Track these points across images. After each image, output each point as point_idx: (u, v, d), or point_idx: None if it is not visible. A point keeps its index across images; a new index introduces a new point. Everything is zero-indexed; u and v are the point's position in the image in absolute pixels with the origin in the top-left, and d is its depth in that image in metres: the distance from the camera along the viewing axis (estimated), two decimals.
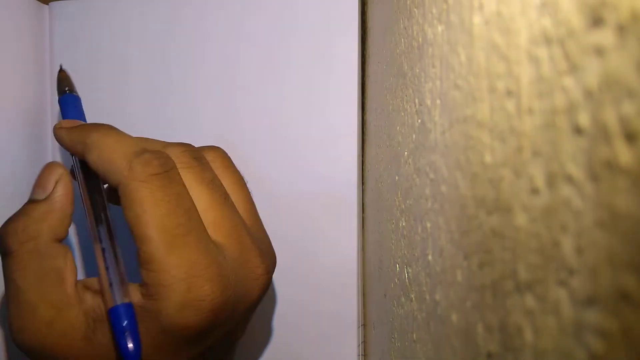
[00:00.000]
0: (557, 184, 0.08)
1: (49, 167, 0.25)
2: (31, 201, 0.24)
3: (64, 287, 0.23)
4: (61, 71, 0.31)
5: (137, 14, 0.34)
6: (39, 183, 0.24)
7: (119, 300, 0.22)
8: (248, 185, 0.28)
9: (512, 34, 0.10)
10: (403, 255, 0.20)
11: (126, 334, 0.21)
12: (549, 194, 0.09)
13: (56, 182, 0.24)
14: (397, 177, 0.21)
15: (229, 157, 0.28)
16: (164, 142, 0.26)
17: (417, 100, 0.18)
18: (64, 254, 0.24)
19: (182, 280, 0.21)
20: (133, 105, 0.35)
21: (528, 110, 0.09)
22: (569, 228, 0.08)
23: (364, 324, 0.32)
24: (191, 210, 0.23)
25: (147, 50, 0.34)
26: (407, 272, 0.19)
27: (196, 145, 0.27)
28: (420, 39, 0.17)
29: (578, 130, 0.08)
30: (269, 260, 0.26)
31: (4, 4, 0.32)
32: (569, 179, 0.08)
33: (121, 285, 0.22)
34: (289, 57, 0.32)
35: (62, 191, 0.24)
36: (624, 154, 0.07)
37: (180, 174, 0.23)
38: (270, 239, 0.29)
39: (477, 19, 0.12)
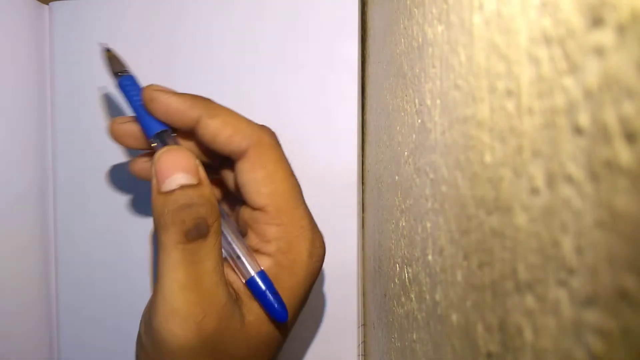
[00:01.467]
0: (557, 184, 0.08)
1: (183, 152, 0.23)
2: (187, 186, 0.22)
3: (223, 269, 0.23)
4: (108, 51, 0.28)
5: (137, 14, 0.34)
6: (185, 167, 0.23)
7: (253, 270, 0.23)
8: None
9: (512, 34, 0.10)
10: (403, 255, 0.20)
11: (270, 296, 0.23)
12: (549, 194, 0.09)
13: (199, 166, 0.23)
14: (397, 177, 0.21)
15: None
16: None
17: (417, 100, 0.18)
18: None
19: (309, 229, 0.24)
20: None
21: (528, 110, 0.09)
22: (569, 228, 0.08)
23: (364, 324, 0.32)
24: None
25: (147, 50, 0.34)
26: (407, 272, 0.19)
27: None
28: (420, 39, 0.17)
29: (578, 130, 0.08)
30: None
31: (4, 4, 0.32)
32: (569, 179, 0.08)
33: (250, 256, 0.24)
34: (289, 57, 0.32)
35: (205, 174, 0.23)
36: (624, 154, 0.07)
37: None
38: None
39: (477, 19, 0.12)
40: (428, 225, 0.16)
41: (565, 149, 0.08)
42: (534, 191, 0.09)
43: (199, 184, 0.22)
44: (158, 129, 0.25)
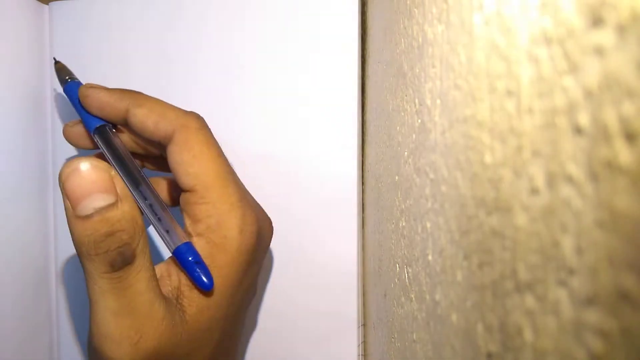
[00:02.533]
0: (557, 184, 0.08)
1: (95, 168, 0.22)
2: (106, 208, 0.21)
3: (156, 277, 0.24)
4: (57, 62, 0.31)
5: (137, 13, 0.34)
6: (99, 185, 0.21)
7: (179, 240, 0.24)
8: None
9: (512, 34, 0.10)
10: (403, 255, 0.20)
11: (197, 264, 0.23)
12: (549, 194, 0.09)
13: (114, 179, 0.22)
14: (397, 177, 0.21)
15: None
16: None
17: (417, 100, 0.18)
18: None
19: (237, 206, 0.24)
20: None
21: (528, 110, 0.09)
22: (569, 228, 0.08)
23: (364, 324, 0.32)
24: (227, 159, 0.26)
25: (147, 50, 0.34)
26: (407, 272, 0.19)
27: None
28: (420, 39, 0.17)
29: (578, 130, 0.08)
30: None
31: (4, 4, 0.32)
32: (569, 179, 0.08)
33: (176, 229, 0.24)
34: (289, 56, 0.32)
35: (122, 185, 0.23)
36: (624, 154, 0.07)
37: None
38: (271, 238, 0.30)
39: (477, 19, 0.12)
40: (428, 225, 0.16)
41: (565, 149, 0.08)
42: (534, 191, 0.09)
43: (116, 201, 0.21)
44: (97, 123, 0.27)
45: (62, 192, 0.21)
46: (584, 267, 0.08)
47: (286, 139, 0.32)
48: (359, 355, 0.32)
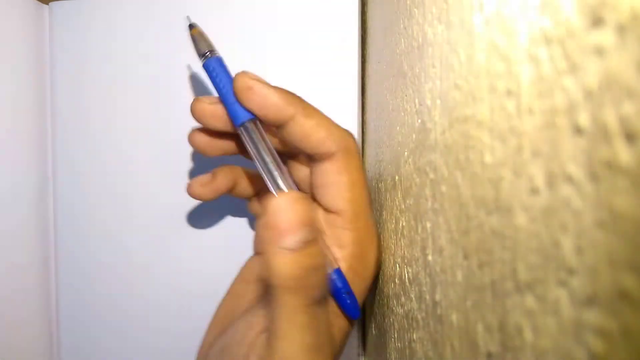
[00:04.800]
0: (557, 184, 0.08)
1: (300, 201, 0.20)
2: (310, 243, 0.20)
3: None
4: (193, 28, 0.26)
5: (137, 13, 0.34)
6: (307, 220, 0.20)
7: (330, 267, 0.23)
8: None
9: (512, 34, 0.10)
10: (403, 255, 0.20)
11: (346, 293, 0.23)
12: (549, 194, 0.09)
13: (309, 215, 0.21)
14: (397, 177, 0.21)
15: None
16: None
17: (417, 100, 0.18)
18: None
19: (377, 236, 0.25)
20: (133, 105, 0.35)
21: (528, 110, 0.09)
22: (569, 228, 0.08)
23: (364, 324, 0.32)
24: None
25: (147, 50, 0.34)
26: (407, 272, 0.19)
27: None
28: (420, 39, 0.17)
29: (578, 130, 0.08)
30: None
31: (4, 4, 0.32)
32: (569, 179, 0.08)
33: (328, 254, 0.24)
34: (289, 57, 0.32)
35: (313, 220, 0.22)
36: (624, 154, 0.07)
37: None
38: None
39: (477, 19, 0.12)
40: (428, 225, 0.16)
41: (565, 149, 0.08)
42: (534, 191, 0.09)
43: (317, 237, 0.21)
44: (246, 117, 0.24)
45: (265, 225, 0.20)
46: (584, 267, 0.08)
47: None
48: (359, 355, 0.32)
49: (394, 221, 0.22)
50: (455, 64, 0.13)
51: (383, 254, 0.25)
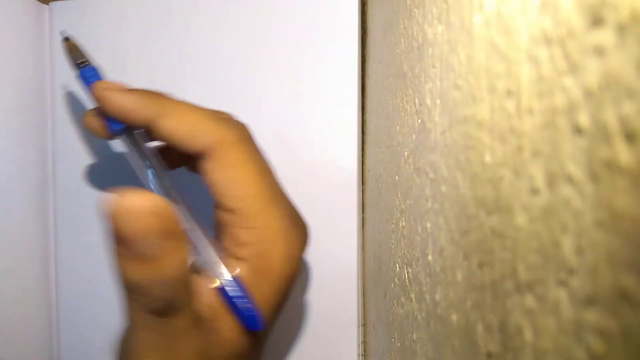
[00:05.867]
0: (557, 184, 0.08)
1: (138, 209, 0.18)
2: (163, 252, 0.19)
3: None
4: (67, 40, 0.26)
5: (137, 13, 0.34)
6: (162, 229, 0.19)
7: (226, 275, 0.22)
8: None
9: (512, 34, 0.10)
10: (403, 255, 0.20)
11: (245, 303, 0.21)
12: (549, 194, 0.09)
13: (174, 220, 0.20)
14: (397, 177, 0.21)
15: None
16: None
17: (417, 100, 0.18)
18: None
19: (286, 231, 0.22)
20: None
21: (528, 110, 0.09)
22: (569, 228, 0.08)
23: (364, 324, 0.32)
24: (272, 170, 0.23)
25: (147, 50, 0.34)
26: (407, 272, 0.19)
27: None
28: (420, 39, 0.17)
29: (578, 130, 0.08)
30: None
31: (4, 4, 0.32)
32: (569, 179, 0.08)
33: (221, 260, 0.22)
34: (289, 57, 0.32)
35: (180, 230, 0.20)
36: (624, 154, 0.07)
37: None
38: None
39: (477, 19, 0.12)
40: (428, 225, 0.16)
41: (565, 149, 0.08)
42: (534, 191, 0.09)
43: (172, 245, 0.19)
44: (117, 127, 0.24)
45: (109, 226, 0.19)
46: (584, 267, 0.08)
47: (286, 138, 0.32)
48: (359, 355, 0.32)
49: (394, 221, 0.22)
50: (455, 64, 0.13)
51: (383, 254, 0.25)
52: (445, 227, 0.14)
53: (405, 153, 0.19)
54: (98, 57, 0.35)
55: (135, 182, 0.35)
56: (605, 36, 0.07)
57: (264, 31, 0.33)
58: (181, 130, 0.22)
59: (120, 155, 0.35)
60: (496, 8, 0.11)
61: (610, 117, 0.07)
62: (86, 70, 0.26)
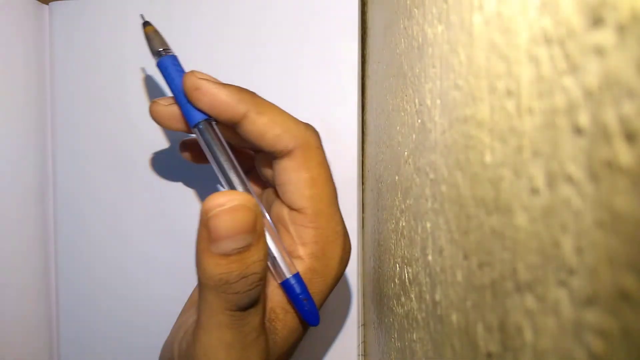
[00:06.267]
0: (557, 184, 0.08)
1: (244, 208, 0.20)
2: (244, 248, 0.20)
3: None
4: (147, 25, 0.26)
5: (137, 14, 0.34)
6: (245, 227, 0.20)
7: (288, 273, 0.23)
8: None
9: (512, 34, 0.10)
10: (403, 255, 0.20)
11: (304, 300, 0.23)
12: (549, 194, 0.09)
13: (258, 217, 0.21)
14: (397, 177, 0.21)
15: None
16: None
17: (417, 100, 0.18)
18: None
19: (342, 235, 0.24)
20: (132, 105, 0.35)
21: (528, 110, 0.09)
22: (569, 228, 0.08)
23: (364, 324, 0.32)
24: None
25: (147, 51, 0.34)
26: (407, 272, 0.19)
27: None
28: (420, 39, 0.17)
29: (578, 130, 0.08)
30: None
31: (4, 4, 0.32)
32: (569, 179, 0.08)
33: (285, 258, 0.23)
34: (290, 57, 0.32)
35: (262, 222, 0.21)
36: (624, 154, 0.07)
37: None
38: None
39: (477, 19, 0.12)
40: (428, 225, 0.16)
41: (565, 149, 0.08)
42: (534, 191, 0.09)
43: (255, 243, 0.20)
44: (200, 117, 0.24)
45: (201, 223, 0.20)
46: (584, 267, 0.08)
47: None
48: (359, 355, 0.32)
49: (394, 221, 0.22)
50: (455, 64, 0.13)
51: (382, 254, 0.25)
52: (445, 227, 0.14)
53: (405, 153, 0.19)
54: (98, 57, 0.35)
55: (135, 182, 0.35)
56: (605, 36, 0.07)
57: (264, 31, 0.32)
58: (274, 128, 0.23)
59: (119, 155, 0.35)
60: (496, 8, 0.11)
61: (610, 117, 0.07)
62: (167, 59, 0.25)
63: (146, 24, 0.26)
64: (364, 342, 0.32)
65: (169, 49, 0.26)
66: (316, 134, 0.25)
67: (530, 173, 0.09)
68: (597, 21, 0.07)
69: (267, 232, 0.23)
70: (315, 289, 0.24)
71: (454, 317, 0.13)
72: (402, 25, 0.20)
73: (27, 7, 0.34)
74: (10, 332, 0.32)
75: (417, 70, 0.18)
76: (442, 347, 0.14)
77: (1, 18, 0.31)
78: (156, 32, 0.26)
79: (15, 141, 0.33)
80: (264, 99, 0.24)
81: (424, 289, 0.16)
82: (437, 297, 0.15)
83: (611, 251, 0.07)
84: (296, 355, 0.32)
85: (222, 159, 0.23)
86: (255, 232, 0.20)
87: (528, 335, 0.09)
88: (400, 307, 0.20)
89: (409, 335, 0.19)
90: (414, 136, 0.18)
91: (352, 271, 0.31)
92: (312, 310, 0.23)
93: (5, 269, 0.32)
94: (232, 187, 0.23)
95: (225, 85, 0.24)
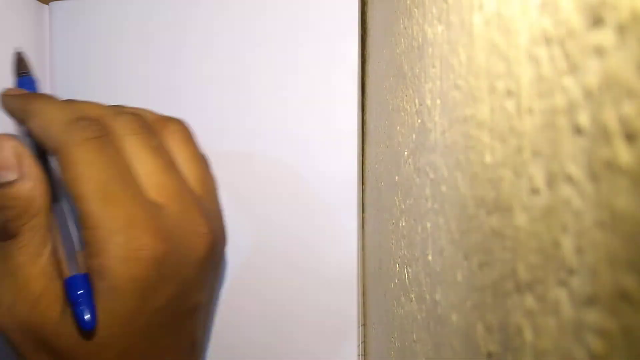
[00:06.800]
0: (557, 184, 0.08)
1: (1, 145, 0.24)
2: (3, 184, 0.23)
3: (54, 258, 0.24)
4: (18, 54, 0.30)
5: (137, 14, 0.34)
6: (3, 165, 0.23)
7: (73, 271, 0.23)
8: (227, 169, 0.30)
9: (512, 34, 0.10)
10: (403, 255, 0.20)
11: (80, 301, 0.22)
12: (549, 194, 0.09)
13: (20, 157, 0.24)
14: (397, 177, 0.21)
15: (190, 133, 0.29)
16: (117, 108, 0.27)
17: (417, 100, 0.18)
18: (51, 227, 0.24)
19: (120, 232, 0.23)
20: (132, 105, 0.35)
21: (528, 110, 0.09)
22: (569, 228, 0.08)
23: (364, 324, 0.32)
24: (125, 172, 0.24)
25: (148, 51, 0.34)
26: (407, 272, 0.19)
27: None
28: (420, 39, 0.17)
29: (578, 130, 0.08)
30: (214, 225, 0.27)
31: (4, 4, 0.32)
32: (569, 179, 0.08)
33: (76, 257, 0.24)
34: (289, 57, 0.32)
35: (33, 169, 0.24)
36: (624, 154, 0.07)
37: (126, 139, 0.25)
38: (271, 238, 0.30)
39: (477, 19, 0.12)
40: (428, 225, 0.16)
41: (565, 149, 0.08)
42: (534, 191, 0.09)
43: (16, 180, 0.23)
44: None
45: None
46: (584, 267, 0.08)
47: (286, 138, 0.32)
48: (359, 355, 0.32)
49: (394, 221, 0.22)
50: (455, 64, 0.13)
51: (383, 254, 0.25)
52: (445, 227, 0.14)
53: (405, 153, 0.19)
54: (98, 57, 0.35)
55: None
56: (605, 36, 0.07)
57: (263, 31, 0.33)
58: (37, 131, 0.25)
59: None
60: (496, 8, 0.11)
61: (610, 117, 0.07)
62: (24, 80, 0.29)
63: (18, 53, 0.30)
64: (364, 342, 0.32)
65: (29, 72, 0.30)
66: (85, 128, 0.24)
67: (530, 173, 0.09)
68: (597, 21, 0.07)
69: (65, 230, 0.24)
70: (97, 288, 0.23)
71: (454, 317, 0.13)
72: (402, 25, 0.20)
73: (27, 7, 0.34)
74: None
75: (417, 70, 0.18)
76: (442, 347, 0.14)
77: (1, 18, 0.31)
78: (23, 58, 0.30)
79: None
80: (44, 101, 0.25)
81: (424, 289, 0.16)
82: (437, 297, 0.15)
83: (611, 251, 0.07)
84: (296, 355, 0.32)
85: (46, 165, 0.25)
86: (15, 169, 0.23)
87: (528, 335, 0.09)
88: (400, 307, 0.20)
89: (409, 335, 0.19)
90: (414, 136, 0.18)
91: (352, 271, 0.31)
92: (81, 313, 0.22)
93: None
94: (53, 195, 0.25)
95: (15, 95, 0.26)
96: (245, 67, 0.33)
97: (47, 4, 0.35)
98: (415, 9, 0.18)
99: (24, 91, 0.27)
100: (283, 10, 0.32)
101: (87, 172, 0.23)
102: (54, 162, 0.26)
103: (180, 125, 0.28)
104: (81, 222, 0.23)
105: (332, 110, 0.32)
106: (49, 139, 0.24)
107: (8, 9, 0.32)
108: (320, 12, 0.32)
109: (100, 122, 0.25)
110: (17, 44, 0.33)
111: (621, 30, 0.07)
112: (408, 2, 0.19)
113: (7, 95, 0.27)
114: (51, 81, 0.35)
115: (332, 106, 0.32)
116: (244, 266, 0.32)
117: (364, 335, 0.32)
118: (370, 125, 0.31)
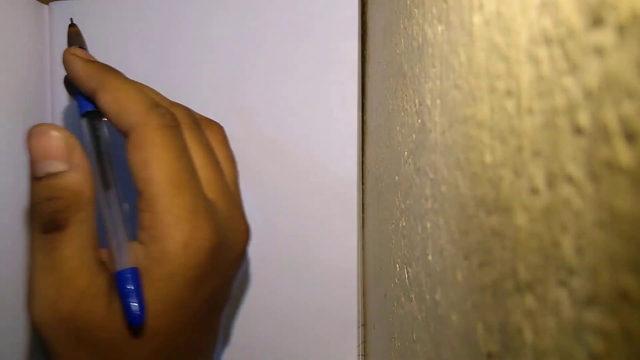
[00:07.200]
0: (557, 184, 0.08)
1: (53, 136, 0.23)
2: (53, 176, 0.23)
3: (97, 253, 0.24)
4: (72, 26, 0.29)
5: (138, 14, 0.34)
6: (54, 152, 0.23)
7: (124, 264, 0.23)
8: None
9: (512, 34, 0.10)
10: (403, 255, 0.20)
11: (131, 296, 0.22)
12: (549, 194, 0.09)
13: (71, 148, 0.23)
14: (397, 177, 0.21)
15: (227, 136, 0.29)
16: (169, 100, 0.27)
17: (417, 100, 0.18)
18: (94, 220, 0.24)
19: (186, 220, 0.23)
20: None
21: (528, 110, 0.09)
22: (569, 228, 0.08)
23: (364, 324, 0.32)
24: (192, 163, 0.25)
25: (147, 51, 0.34)
26: (407, 272, 0.19)
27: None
28: (420, 39, 0.17)
29: (578, 130, 0.08)
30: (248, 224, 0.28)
31: (4, 4, 0.32)
32: (569, 179, 0.08)
33: (126, 250, 0.23)
34: (290, 57, 0.32)
35: (82, 159, 0.23)
36: (624, 154, 0.07)
37: (185, 133, 0.25)
38: (271, 238, 0.30)
39: (477, 19, 0.12)
40: (428, 225, 0.16)
41: (565, 149, 0.08)
42: (534, 191, 0.09)
43: (66, 171, 0.23)
44: (87, 107, 0.25)
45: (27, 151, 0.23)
46: (584, 267, 0.08)
47: (286, 139, 0.32)
48: (359, 355, 0.32)
49: (394, 221, 0.22)
50: (455, 64, 0.13)
51: (383, 254, 0.25)
52: (445, 227, 0.14)
53: (405, 153, 0.19)
54: (98, 57, 0.35)
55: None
56: (605, 36, 0.07)
57: (263, 31, 0.33)
58: (112, 106, 0.24)
59: (118, 156, 0.35)
60: (496, 8, 0.11)
61: (610, 117, 0.07)
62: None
63: (72, 25, 0.29)
64: (364, 342, 0.32)
65: (85, 48, 0.28)
66: (163, 115, 0.24)
67: (530, 173, 0.09)
68: (597, 21, 0.07)
69: (116, 220, 0.24)
70: (153, 275, 0.23)
71: (454, 317, 0.13)
72: (402, 25, 0.20)
73: (27, 7, 0.34)
74: (11, 330, 0.32)
75: (417, 70, 0.18)
76: (442, 347, 0.14)
77: (1, 18, 0.31)
78: (78, 32, 0.29)
79: (16, 142, 0.33)
80: (119, 78, 0.25)
81: (424, 289, 0.16)
82: (437, 297, 0.15)
83: (611, 251, 0.07)
84: (296, 355, 0.32)
85: (98, 152, 0.25)
86: (65, 160, 0.23)
87: (528, 335, 0.09)
88: (400, 307, 0.20)
89: (409, 335, 0.19)
90: (414, 136, 0.18)
91: (352, 271, 0.31)
92: (132, 307, 0.22)
93: (5, 269, 0.32)
94: (102, 185, 0.24)
95: (87, 61, 0.25)
96: (245, 67, 0.33)
97: (47, 4, 0.35)
98: (415, 9, 0.18)
99: (91, 56, 0.26)
100: (283, 10, 0.32)
101: (162, 157, 0.23)
102: (105, 154, 0.25)
103: (220, 128, 0.29)
104: (146, 205, 0.23)
105: (332, 110, 0.32)
106: (125, 117, 0.24)
107: (8, 9, 0.32)
108: (320, 12, 0.32)
109: (173, 112, 0.25)
110: (17, 44, 0.33)
111: (621, 30, 0.07)
112: (408, 2, 0.19)
113: (77, 56, 0.25)
114: (51, 81, 0.35)
115: (332, 106, 0.32)
116: (243, 266, 0.32)
117: (364, 336, 0.32)
118: (370, 125, 0.31)
